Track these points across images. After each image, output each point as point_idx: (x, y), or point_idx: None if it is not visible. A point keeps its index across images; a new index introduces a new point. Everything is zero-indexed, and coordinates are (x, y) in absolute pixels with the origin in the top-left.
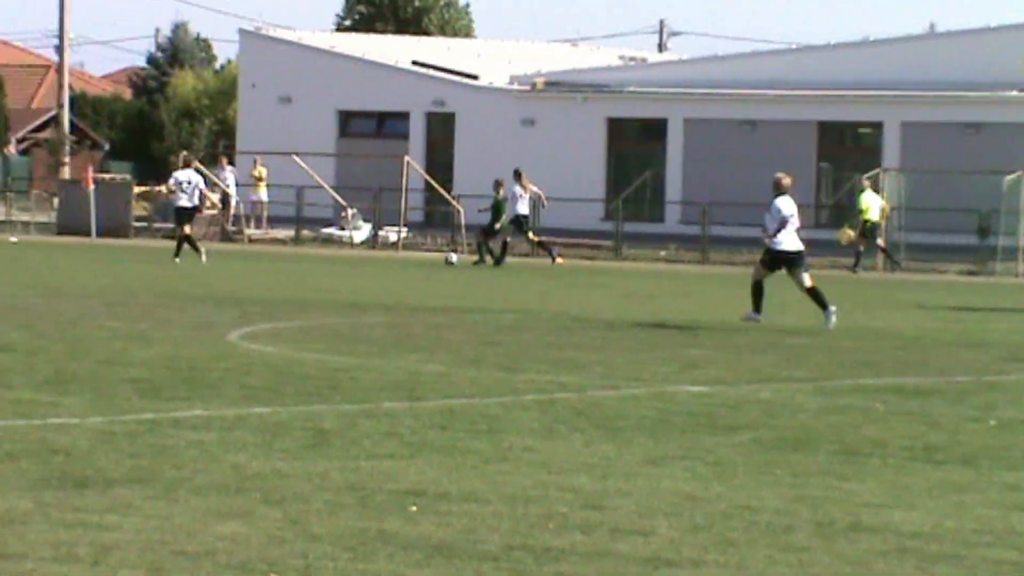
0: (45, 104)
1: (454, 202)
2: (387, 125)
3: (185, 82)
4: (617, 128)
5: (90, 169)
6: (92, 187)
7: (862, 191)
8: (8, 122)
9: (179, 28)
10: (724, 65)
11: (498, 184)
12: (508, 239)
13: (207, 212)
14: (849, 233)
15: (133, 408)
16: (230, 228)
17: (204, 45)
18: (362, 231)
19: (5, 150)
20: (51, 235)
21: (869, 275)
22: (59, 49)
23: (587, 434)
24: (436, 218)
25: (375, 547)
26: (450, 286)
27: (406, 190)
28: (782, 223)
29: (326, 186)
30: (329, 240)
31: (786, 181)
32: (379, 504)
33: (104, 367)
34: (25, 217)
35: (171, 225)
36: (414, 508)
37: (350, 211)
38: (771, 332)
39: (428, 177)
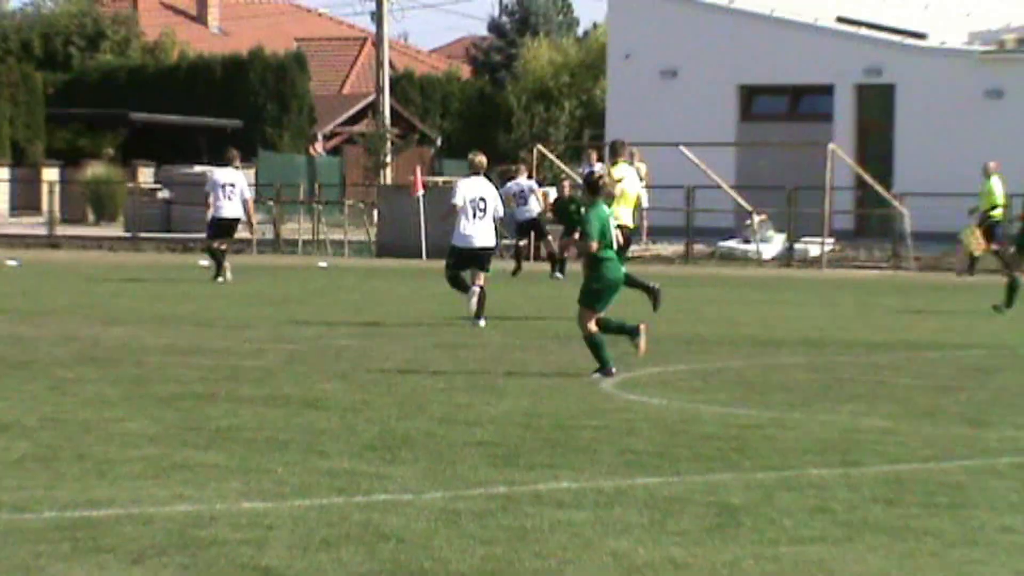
0: (360, 88)
1: (896, 203)
2: (804, 103)
3: (539, 54)
4: None
5: (419, 171)
6: (422, 194)
7: None
8: (314, 112)
9: None
10: None
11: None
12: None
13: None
14: None
15: (481, 480)
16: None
17: (562, 5)
18: (773, 244)
19: (310, 149)
20: (370, 257)
21: None
22: (377, 18)
23: None
24: (872, 225)
25: None
26: (894, 314)
27: (831, 189)
28: None
29: (725, 186)
30: (730, 256)
31: None
32: None
33: (443, 427)
34: (337, 235)
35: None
36: None
37: (757, 218)
38: None
39: (860, 170)
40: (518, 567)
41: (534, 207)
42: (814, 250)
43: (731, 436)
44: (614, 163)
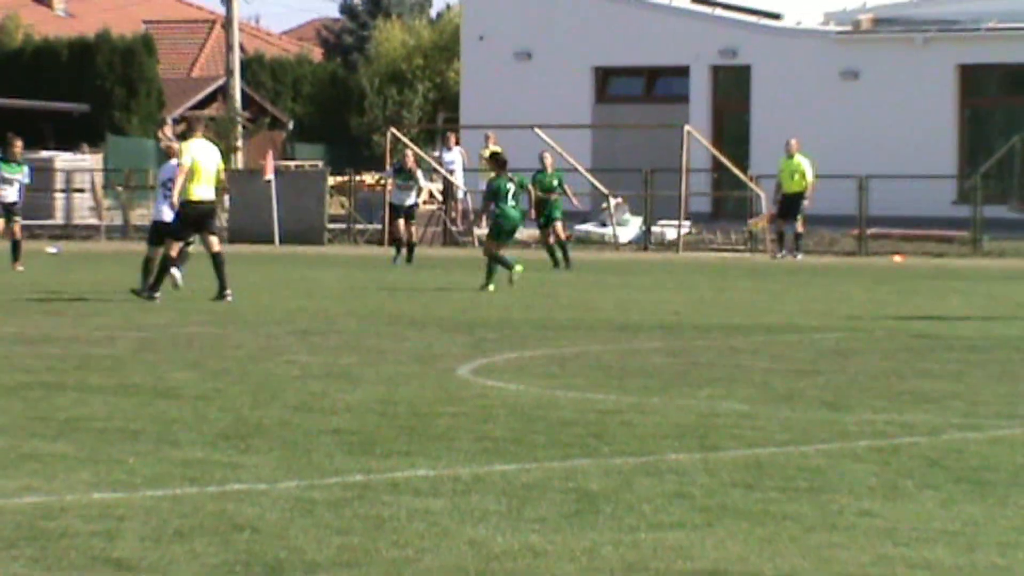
0: (209, 71)
1: (752, 184)
2: (660, 85)
3: (391, 36)
4: (972, 79)
5: (270, 155)
6: (272, 178)
7: None
8: (163, 96)
9: None
10: None
11: None
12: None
13: (425, 207)
14: None
15: (337, 468)
16: (456, 228)
17: None
18: (629, 227)
19: (160, 132)
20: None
21: None
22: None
23: (944, 491)
24: (727, 207)
25: None
26: (749, 297)
27: (687, 171)
28: None
29: (580, 168)
30: (586, 240)
31: None
32: None
33: (298, 415)
34: None
35: (379, 226)
36: None
37: (613, 201)
38: None
39: (716, 152)
40: (375, 556)
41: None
42: (671, 233)
43: (589, 422)
44: (186, 138)
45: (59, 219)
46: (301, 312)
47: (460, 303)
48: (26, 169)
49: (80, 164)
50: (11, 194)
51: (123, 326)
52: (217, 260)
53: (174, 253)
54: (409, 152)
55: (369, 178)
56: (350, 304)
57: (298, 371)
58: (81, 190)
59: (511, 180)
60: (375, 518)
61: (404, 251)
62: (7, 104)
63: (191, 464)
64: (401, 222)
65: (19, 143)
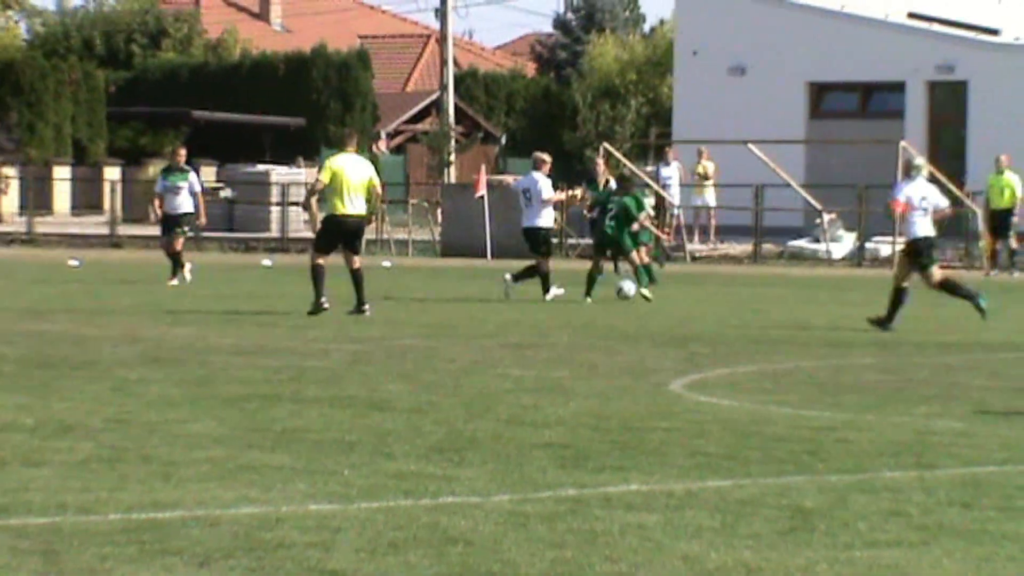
0: (423, 86)
1: (968, 201)
2: (875, 100)
3: (605, 51)
4: None
5: (483, 170)
6: (485, 193)
7: None
8: (377, 110)
9: None
10: None
11: None
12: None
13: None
14: None
15: (550, 482)
16: (669, 243)
17: (628, 2)
18: (843, 243)
19: (374, 147)
20: (434, 257)
21: None
22: (441, 14)
23: None
24: (943, 223)
25: None
26: (965, 314)
27: None
28: None
29: (794, 184)
30: (799, 256)
31: None
32: None
33: (510, 428)
34: (400, 234)
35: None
36: None
37: (827, 217)
38: None
39: (932, 168)
40: (588, 571)
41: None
42: (885, 249)
43: (803, 438)
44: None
45: (274, 232)
46: (514, 325)
47: (673, 317)
48: (191, 176)
49: (295, 177)
50: (182, 204)
51: (337, 338)
52: (356, 276)
53: (319, 261)
54: (599, 161)
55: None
56: (563, 317)
57: (511, 384)
58: (296, 203)
59: (628, 198)
60: (588, 532)
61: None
62: (225, 118)
63: (405, 476)
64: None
65: (182, 151)
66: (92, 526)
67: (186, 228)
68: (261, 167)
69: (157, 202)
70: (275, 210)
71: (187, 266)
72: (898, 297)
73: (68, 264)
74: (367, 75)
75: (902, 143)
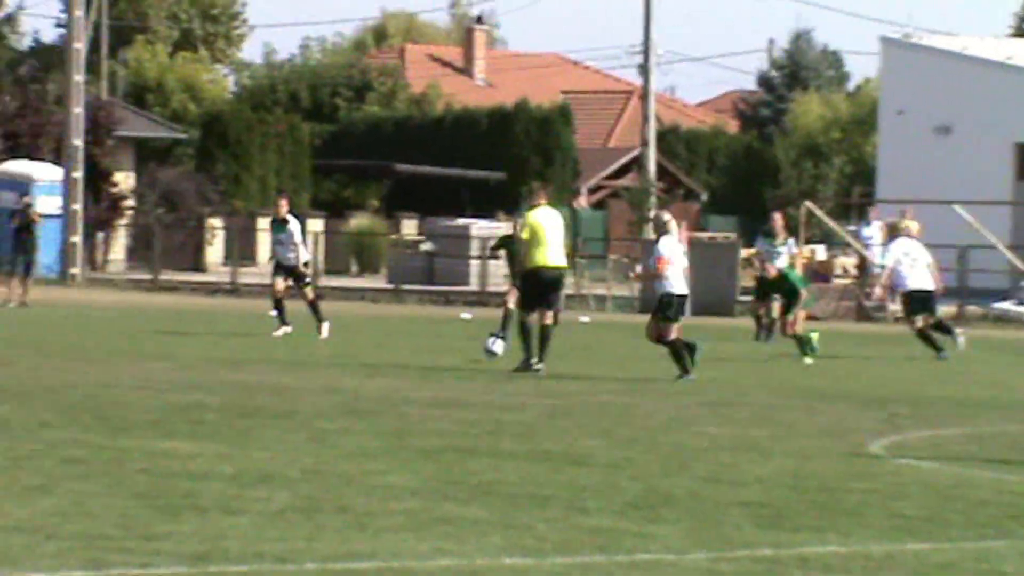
0: (625, 142)
1: None
2: None
3: (808, 109)
4: None
5: (684, 226)
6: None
7: None
8: (578, 165)
9: (800, 38)
10: None
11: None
12: None
13: (838, 282)
14: None
15: (746, 541)
16: (870, 303)
17: (833, 60)
18: None
19: (574, 203)
20: (633, 313)
21: None
22: (643, 70)
23: None
24: None
25: None
26: None
27: None
28: None
29: (1000, 246)
30: (1004, 318)
31: None
32: None
33: (707, 486)
34: (600, 290)
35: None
36: None
37: None
38: None
39: None
40: None
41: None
42: None
43: (1005, 503)
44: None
45: (474, 285)
46: (711, 383)
47: (873, 378)
48: (291, 227)
49: (496, 231)
50: (289, 256)
51: (535, 392)
52: (545, 332)
53: (532, 320)
54: (776, 216)
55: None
56: (760, 376)
57: (708, 442)
58: (496, 257)
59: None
60: None
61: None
62: (427, 171)
63: (600, 532)
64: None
65: (283, 203)
66: (288, 575)
67: (307, 280)
68: (461, 221)
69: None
70: (475, 264)
71: (325, 324)
72: None
73: (269, 315)
74: (568, 130)
75: None
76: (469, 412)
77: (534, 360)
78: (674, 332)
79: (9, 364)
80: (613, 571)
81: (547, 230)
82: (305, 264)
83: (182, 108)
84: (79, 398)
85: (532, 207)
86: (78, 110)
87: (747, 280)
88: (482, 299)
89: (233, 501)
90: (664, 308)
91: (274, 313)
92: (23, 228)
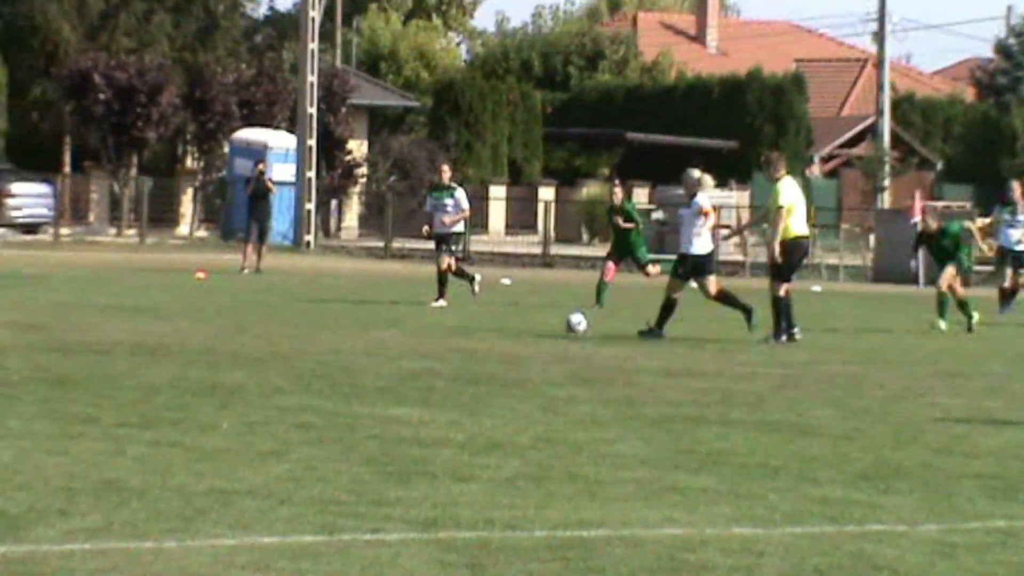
0: (859, 110)
1: None
2: None
3: None
4: None
5: (918, 196)
6: (918, 220)
7: None
8: (811, 134)
9: None
10: None
11: None
12: None
13: None
14: None
15: (979, 513)
16: None
17: None
18: None
19: (807, 171)
20: (865, 283)
21: None
22: (878, 38)
23: None
24: None
25: None
26: None
27: None
28: None
29: None
30: None
31: None
32: None
33: (939, 458)
34: (832, 259)
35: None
36: None
37: None
38: None
39: None
40: None
41: None
42: None
43: None
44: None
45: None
46: (944, 354)
47: None
48: (457, 194)
49: (726, 200)
50: (445, 222)
51: (765, 362)
52: (778, 304)
53: (782, 292)
54: (1015, 185)
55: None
56: (997, 347)
57: (940, 413)
58: (726, 226)
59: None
60: (1018, 565)
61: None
62: (658, 140)
63: (830, 502)
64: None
65: (445, 168)
66: (518, 542)
67: (453, 248)
68: None
69: (427, 224)
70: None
71: (476, 277)
72: None
73: (500, 283)
74: (802, 99)
75: None
76: (699, 381)
77: (796, 329)
78: (679, 289)
79: (243, 331)
80: (843, 542)
81: (798, 200)
82: (458, 235)
83: (415, 76)
84: (311, 364)
85: (777, 178)
86: (312, 78)
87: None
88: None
89: (463, 468)
90: (678, 264)
91: (506, 281)
92: (258, 196)
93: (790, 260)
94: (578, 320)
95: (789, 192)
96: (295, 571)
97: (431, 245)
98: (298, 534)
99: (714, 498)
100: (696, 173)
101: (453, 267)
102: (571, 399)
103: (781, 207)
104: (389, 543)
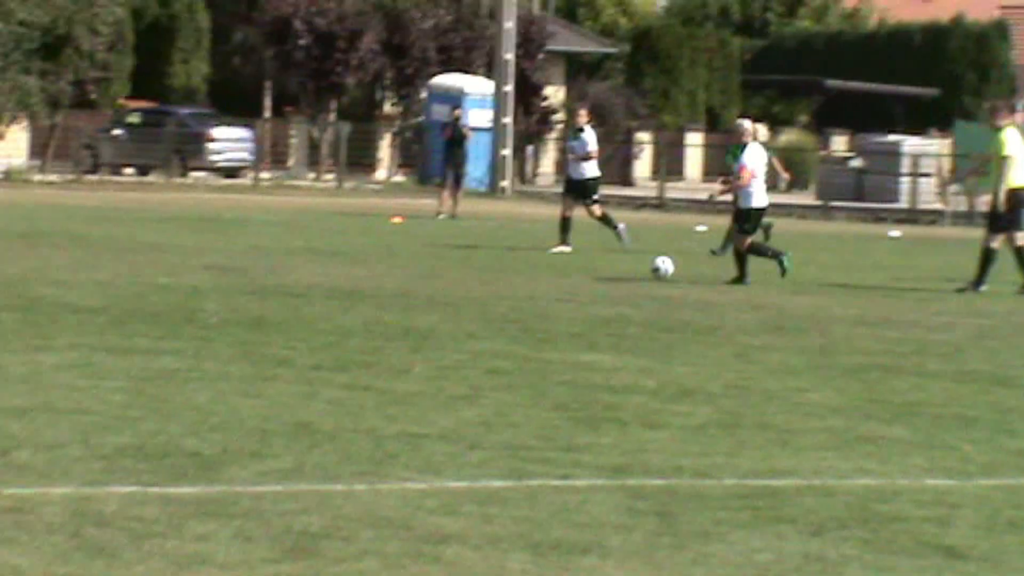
0: None
1: None
2: None
3: None
4: None
5: None
6: None
7: None
8: (1015, 82)
9: None
10: None
11: None
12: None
13: None
14: None
15: None
16: None
17: None
18: None
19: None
20: None
21: None
22: None
23: None
24: None
25: None
26: None
27: None
28: None
29: None
30: None
31: None
32: None
33: None
34: None
35: None
36: None
37: None
38: None
39: None
40: None
41: None
42: None
43: None
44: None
45: (904, 203)
46: None
47: None
48: (585, 136)
49: (927, 149)
50: (581, 168)
51: (963, 312)
52: (1021, 254)
53: (995, 244)
54: None
55: None
56: None
57: None
58: (927, 175)
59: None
60: None
61: None
62: (858, 88)
63: None
64: None
65: (583, 112)
66: (707, 490)
67: (594, 197)
68: (892, 137)
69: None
70: (905, 181)
71: (621, 225)
72: None
73: (695, 230)
74: (1006, 46)
75: None
76: (895, 331)
77: (983, 286)
78: (747, 241)
79: (437, 276)
80: None
81: (1019, 151)
82: (594, 179)
83: (613, 22)
84: (505, 310)
85: (999, 128)
86: (510, 24)
87: None
88: (912, 216)
89: (654, 415)
90: (742, 220)
91: (702, 228)
92: (454, 141)
93: (1014, 210)
94: (661, 263)
95: (1013, 142)
96: (483, 516)
97: (627, 192)
98: (487, 479)
99: (907, 449)
100: (747, 123)
101: (598, 213)
102: (764, 347)
103: (1006, 156)
104: (578, 489)
